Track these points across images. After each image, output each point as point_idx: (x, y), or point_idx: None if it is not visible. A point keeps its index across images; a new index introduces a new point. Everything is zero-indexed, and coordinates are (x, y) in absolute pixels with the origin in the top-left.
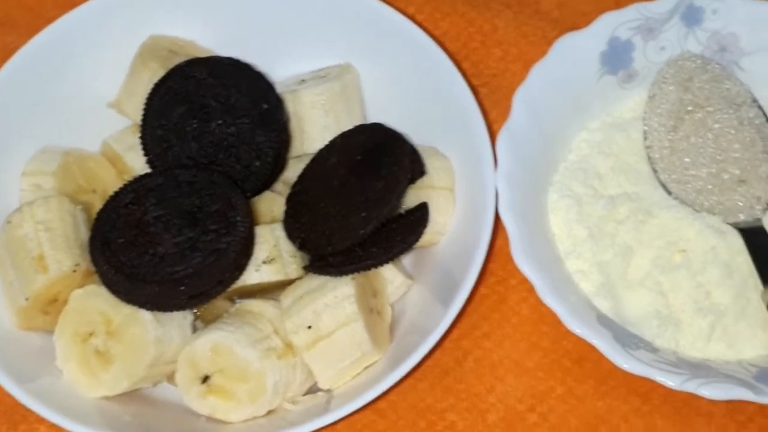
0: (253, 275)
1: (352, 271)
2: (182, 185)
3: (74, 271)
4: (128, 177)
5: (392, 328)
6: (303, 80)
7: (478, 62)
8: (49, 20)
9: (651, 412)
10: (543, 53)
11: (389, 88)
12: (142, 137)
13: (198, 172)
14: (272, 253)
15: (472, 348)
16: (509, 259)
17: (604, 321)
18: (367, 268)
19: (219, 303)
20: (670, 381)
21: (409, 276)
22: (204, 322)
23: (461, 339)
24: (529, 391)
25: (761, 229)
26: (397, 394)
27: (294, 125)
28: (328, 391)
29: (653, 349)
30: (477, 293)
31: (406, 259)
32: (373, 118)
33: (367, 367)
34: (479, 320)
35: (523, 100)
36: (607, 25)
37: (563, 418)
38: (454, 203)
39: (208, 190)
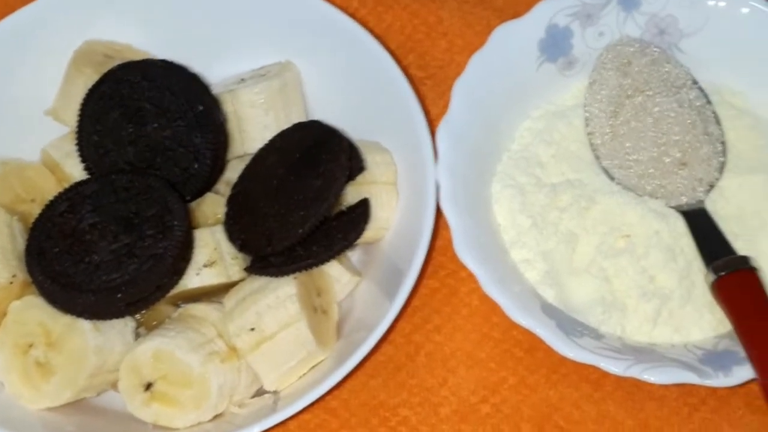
0: (194, 279)
1: (293, 271)
2: (118, 191)
3: (11, 282)
4: (67, 185)
5: (340, 326)
6: (242, 79)
7: (423, 54)
8: None
9: (603, 398)
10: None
11: (330, 85)
12: (78, 144)
13: (134, 177)
14: (213, 255)
15: (423, 342)
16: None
17: (548, 310)
18: (309, 267)
19: (162, 308)
20: (614, 367)
21: (356, 273)
22: (147, 328)
23: (413, 333)
24: (481, 382)
25: (703, 211)
26: (350, 392)
27: (233, 125)
28: (275, 392)
29: (598, 336)
30: (427, 286)
31: (354, 256)
32: (315, 115)
33: (313, 367)
34: (430, 314)
35: (462, 91)
36: (545, 12)
37: (516, 408)
38: (397, 198)
39: (145, 194)
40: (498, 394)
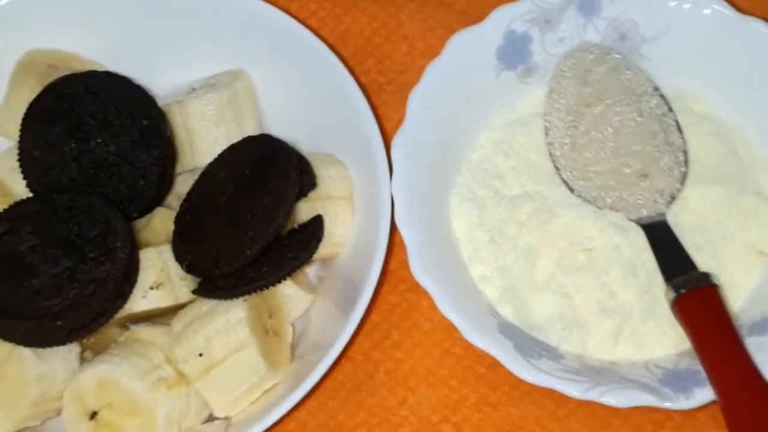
0: (140, 302)
1: (242, 293)
2: (59, 211)
3: None
4: (12, 201)
5: (295, 346)
6: (193, 89)
7: (383, 58)
8: None
9: (567, 415)
10: None
11: (283, 94)
12: (20, 160)
13: (75, 196)
14: (160, 277)
15: (383, 359)
16: None
17: (505, 330)
18: (259, 288)
19: (109, 331)
20: (573, 390)
21: (312, 290)
22: (94, 352)
23: (372, 350)
24: (442, 400)
25: (664, 224)
26: (307, 414)
27: (183, 138)
28: (226, 418)
29: (557, 356)
30: (387, 301)
31: (312, 272)
32: (269, 127)
33: (266, 391)
34: (390, 329)
35: (419, 101)
36: (502, 18)
37: (478, 427)
38: (353, 213)
39: (87, 214)
40: (459, 412)
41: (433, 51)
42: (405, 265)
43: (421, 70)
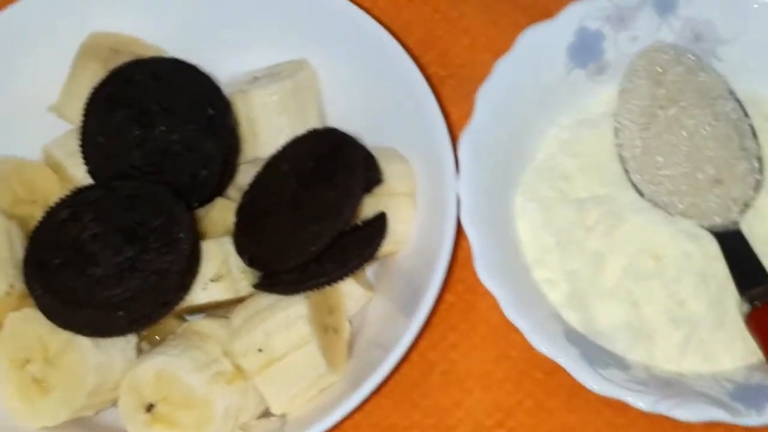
0: (200, 295)
1: (305, 289)
2: (122, 199)
3: (8, 293)
4: (71, 186)
5: (351, 344)
6: (255, 78)
7: (445, 51)
8: None
9: (626, 425)
10: (513, 41)
11: (346, 85)
12: (81, 145)
13: (139, 185)
14: (221, 270)
15: (439, 360)
16: None
17: (572, 337)
18: (321, 285)
19: (167, 321)
20: (641, 402)
21: (369, 287)
22: (150, 343)
23: (428, 351)
24: (497, 404)
25: (738, 233)
26: (360, 413)
27: (245, 128)
28: (283, 415)
29: (624, 366)
30: (445, 301)
31: (368, 269)
32: (330, 118)
33: (323, 389)
34: (447, 330)
35: (487, 98)
36: (575, 15)
37: None
38: (415, 210)
39: (150, 204)
40: (514, 417)
41: (495, 45)
42: (463, 264)
43: (483, 65)
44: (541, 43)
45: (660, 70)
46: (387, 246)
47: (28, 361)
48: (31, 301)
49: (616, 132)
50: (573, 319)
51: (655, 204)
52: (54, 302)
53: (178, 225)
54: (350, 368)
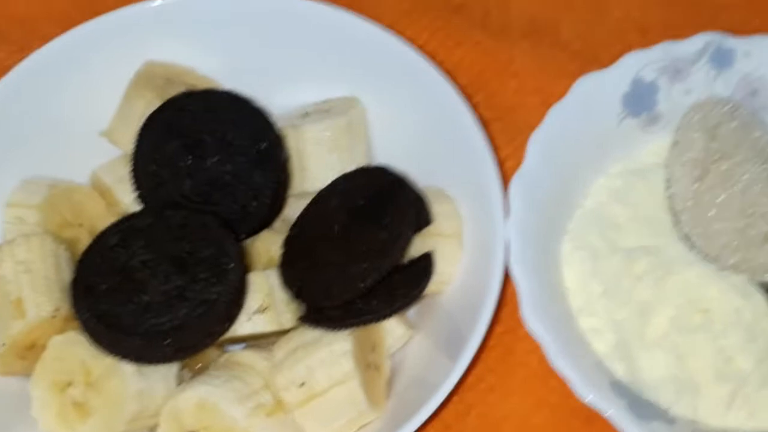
0: (245, 325)
1: (350, 326)
2: (173, 228)
3: (54, 316)
4: (118, 211)
5: (390, 382)
6: (306, 113)
7: (493, 94)
8: (43, 36)
9: None
10: (562, 86)
11: (394, 123)
12: (132, 171)
13: (189, 214)
14: (266, 301)
15: (475, 402)
16: (518, 307)
17: (618, 388)
18: (367, 322)
19: (207, 351)
20: None
21: (410, 326)
22: (191, 370)
23: (464, 392)
24: None
25: None
26: None
27: (295, 162)
28: None
29: (669, 420)
30: (483, 343)
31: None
32: (376, 155)
33: (362, 426)
34: (484, 372)
35: (539, 143)
36: (631, 65)
37: None
38: (461, 251)
39: (200, 233)
40: None
41: (543, 90)
42: (502, 306)
43: (530, 109)
44: (596, 91)
45: (714, 124)
46: (432, 286)
47: (69, 384)
48: (75, 324)
49: (667, 183)
50: (618, 369)
51: (706, 257)
52: (100, 327)
53: (227, 256)
54: (390, 407)
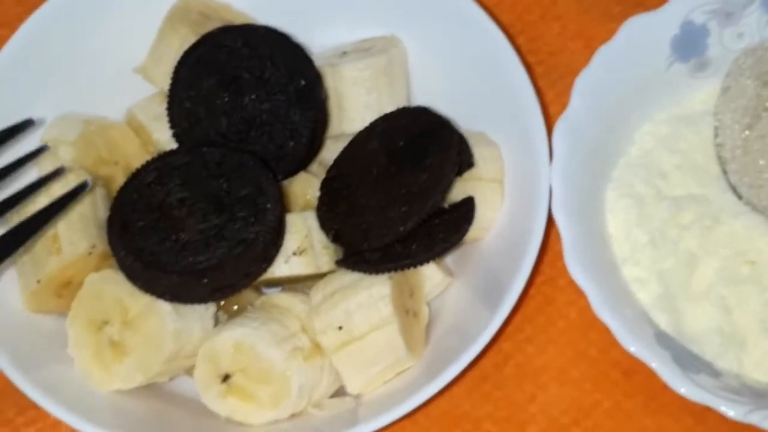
0: (282, 267)
1: (389, 270)
2: (210, 166)
3: (90, 253)
4: (153, 149)
5: (428, 329)
6: (344, 52)
7: (534, 38)
8: None
9: None
10: (605, 31)
11: (434, 64)
12: (168, 109)
13: (227, 152)
14: (303, 243)
15: (513, 352)
16: (559, 256)
17: (662, 339)
18: (406, 267)
19: (244, 293)
20: (732, 411)
21: (448, 273)
22: (227, 313)
23: (502, 342)
24: (573, 403)
25: None
26: (431, 399)
27: (332, 102)
28: (357, 396)
29: (714, 373)
30: (522, 292)
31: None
32: (416, 97)
33: (399, 373)
34: (523, 322)
35: (584, 86)
36: (681, 7)
37: None
38: (502, 196)
39: (238, 172)
40: (590, 417)
41: (586, 34)
42: (542, 255)
43: (572, 53)
44: (645, 34)
45: (767, 70)
46: (471, 232)
47: (105, 323)
48: (111, 262)
49: (716, 131)
50: (662, 321)
51: (754, 208)
52: (137, 265)
53: (265, 195)
54: (427, 354)
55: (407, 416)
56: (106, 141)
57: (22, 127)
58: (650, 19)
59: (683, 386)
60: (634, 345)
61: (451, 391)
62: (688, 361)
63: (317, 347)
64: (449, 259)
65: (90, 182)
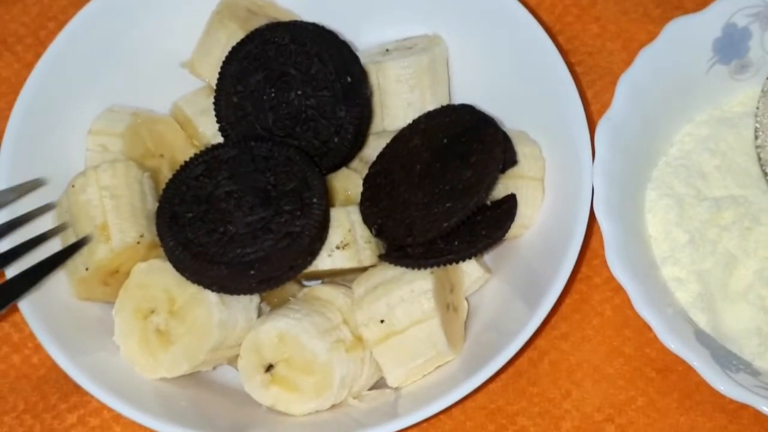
0: (325, 260)
1: (431, 265)
2: (257, 159)
3: (138, 242)
4: (198, 143)
5: (467, 325)
6: (387, 50)
7: (573, 38)
8: None
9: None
10: (644, 32)
11: (476, 63)
12: (215, 103)
13: (274, 147)
14: (347, 237)
15: (548, 349)
16: (594, 255)
17: (702, 337)
18: (448, 262)
19: (287, 285)
20: None
21: (487, 269)
22: (269, 304)
23: (537, 338)
24: (607, 399)
25: None
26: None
27: (376, 99)
28: (396, 388)
29: (754, 372)
30: None
31: None
32: (457, 95)
33: (439, 367)
34: (558, 320)
35: (627, 87)
36: (724, 10)
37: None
38: (543, 194)
39: (284, 166)
40: (624, 414)
41: (625, 35)
42: (581, 255)
43: (611, 54)
44: (687, 36)
45: None
46: (512, 228)
47: (152, 311)
48: (158, 252)
49: (756, 133)
50: (701, 320)
51: None
52: (185, 255)
53: (311, 190)
54: (466, 349)
55: (444, 410)
56: (153, 134)
57: (31, 186)
58: (693, 21)
59: (723, 384)
60: (675, 343)
61: (487, 386)
62: (727, 359)
63: (359, 339)
64: (487, 255)
65: (91, 237)
